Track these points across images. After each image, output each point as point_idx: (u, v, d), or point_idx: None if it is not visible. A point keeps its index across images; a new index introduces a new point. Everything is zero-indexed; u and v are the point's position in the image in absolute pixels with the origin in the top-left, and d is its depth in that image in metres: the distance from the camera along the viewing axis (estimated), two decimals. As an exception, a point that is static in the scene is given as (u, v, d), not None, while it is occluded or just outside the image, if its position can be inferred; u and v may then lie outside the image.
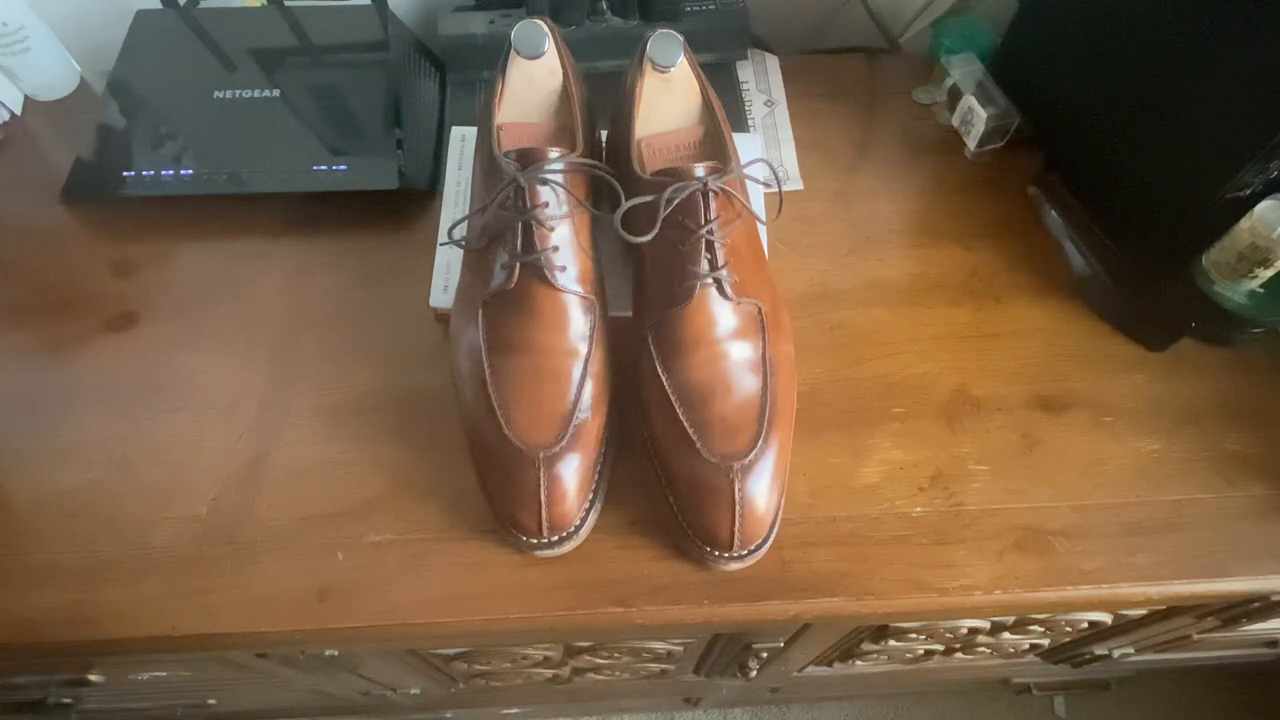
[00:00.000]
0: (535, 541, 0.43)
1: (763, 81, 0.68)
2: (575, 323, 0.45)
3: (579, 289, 0.45)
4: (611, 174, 0.46)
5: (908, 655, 0.75)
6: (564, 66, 0.51)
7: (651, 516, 0.47)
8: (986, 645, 0.72)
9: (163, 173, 0.57)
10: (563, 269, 0.44)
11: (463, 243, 0.48)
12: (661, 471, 0.45)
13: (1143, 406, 0.52)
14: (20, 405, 0.52)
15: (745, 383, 0.45)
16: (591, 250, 0.47)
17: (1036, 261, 0.58)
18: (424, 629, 0.45)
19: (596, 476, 0.45)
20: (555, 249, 0.44)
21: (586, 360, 0.45)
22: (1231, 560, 0.47)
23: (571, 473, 0.43)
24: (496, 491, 0.44)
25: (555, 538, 0.44)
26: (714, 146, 0.51)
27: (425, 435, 0.50)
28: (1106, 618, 0.64)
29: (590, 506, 0.45)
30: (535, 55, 0.49)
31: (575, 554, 0.45)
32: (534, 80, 0.51)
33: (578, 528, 0.44)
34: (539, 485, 0.42)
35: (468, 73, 0.65)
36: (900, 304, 0.56)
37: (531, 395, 0.44)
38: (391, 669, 0.71)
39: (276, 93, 0.61)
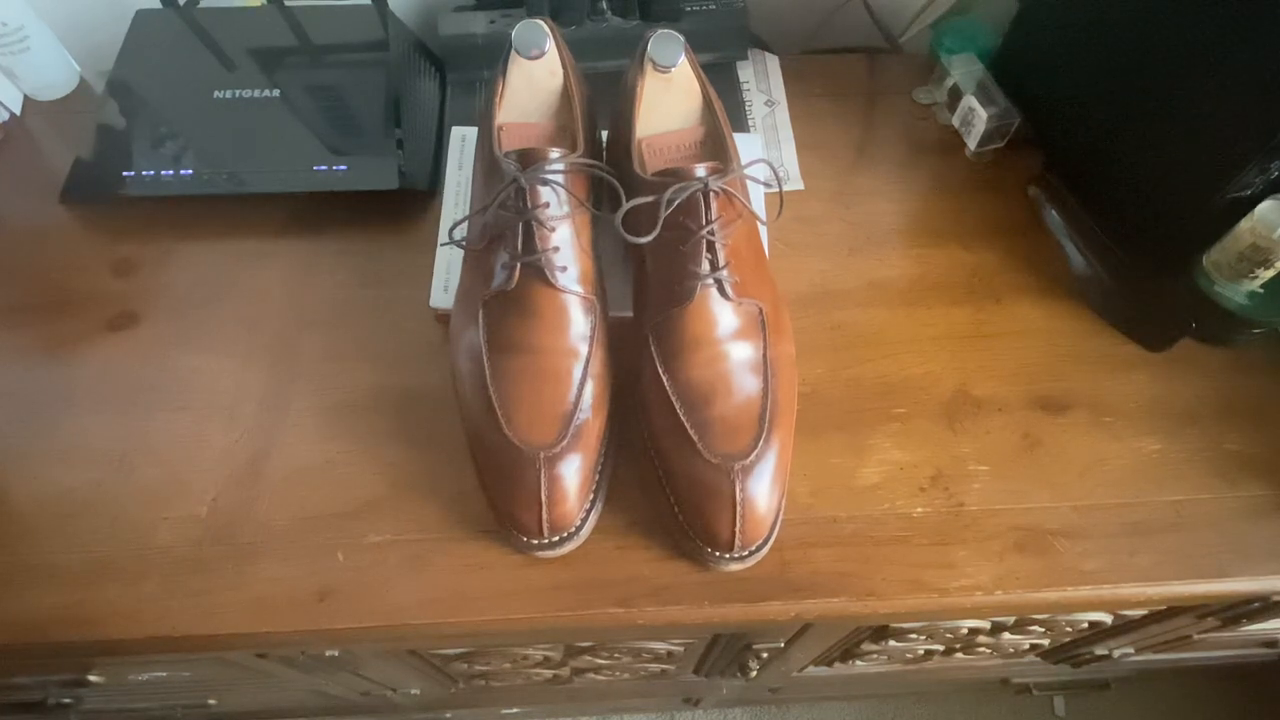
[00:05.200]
0: (536, 542, 0.43)
1: (763, 81, 0.68)
2: (576, 323, 0.45)
3: (580, 289, 0.45)
4: (612, 174, 0.46)
5: (908, 655, 0.75)
6: (565, 66, 0.51)
7: (652, 517, 0.47)
8: (986, 645, 0.72)
9: (163, 173, 0.57)
10: (563, 269, 0.44)
11: (463, 243, 0.48)
12: (662, 472, 0.45)
13: (1143, 406, 0.52)
14: (20, 405, 0.51)
15: (746, 383, 0.45)
16: (592, 250, 0.47)
17: (1036, 261, 0.58)
18: (424, 629, 0.45)
19: (597, 477, 0.45)
20: (556, 249, 0.44)
21: (587, 361, 0.45)
22: (1231, 560, 0.47)
23: (572, 473, 0.43)
24: (497, 492, 0.44)
25: (556, 538, 0.44)
26: (715, 146, 0.51)
27: (425, 435, 0.50)
28: (1106, 618, 0.64)
29: (591, 507, 0.45)
30: (536, 55, 0.49)
31: (576, 554, 0.45)
32: (534, 80, 0.51)
33: (578, 528, 0.44)
34: (539, 485, 0.42)
35: (468, 73, 0.65)
36: (900, 304, 0.56)
37: (532, 395, 0.44)
38: (391, 669, 0.71)
39: (276, 93, 0.61)
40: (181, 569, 0.46)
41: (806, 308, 0.56)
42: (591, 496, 0.45)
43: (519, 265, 0.44)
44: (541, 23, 0.49)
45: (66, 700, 0.66)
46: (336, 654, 0.58)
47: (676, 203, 0.43)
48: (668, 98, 0.51)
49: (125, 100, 0.61)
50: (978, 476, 0.50)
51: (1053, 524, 0.48)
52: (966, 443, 0.51)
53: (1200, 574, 0.47)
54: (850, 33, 0.72)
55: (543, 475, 0.42)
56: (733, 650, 0.70)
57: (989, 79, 0.62)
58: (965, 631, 0.66)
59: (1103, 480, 0.50)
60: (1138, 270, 0.55)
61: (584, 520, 0.44)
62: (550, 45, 0.50)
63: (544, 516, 0.42)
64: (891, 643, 0.68)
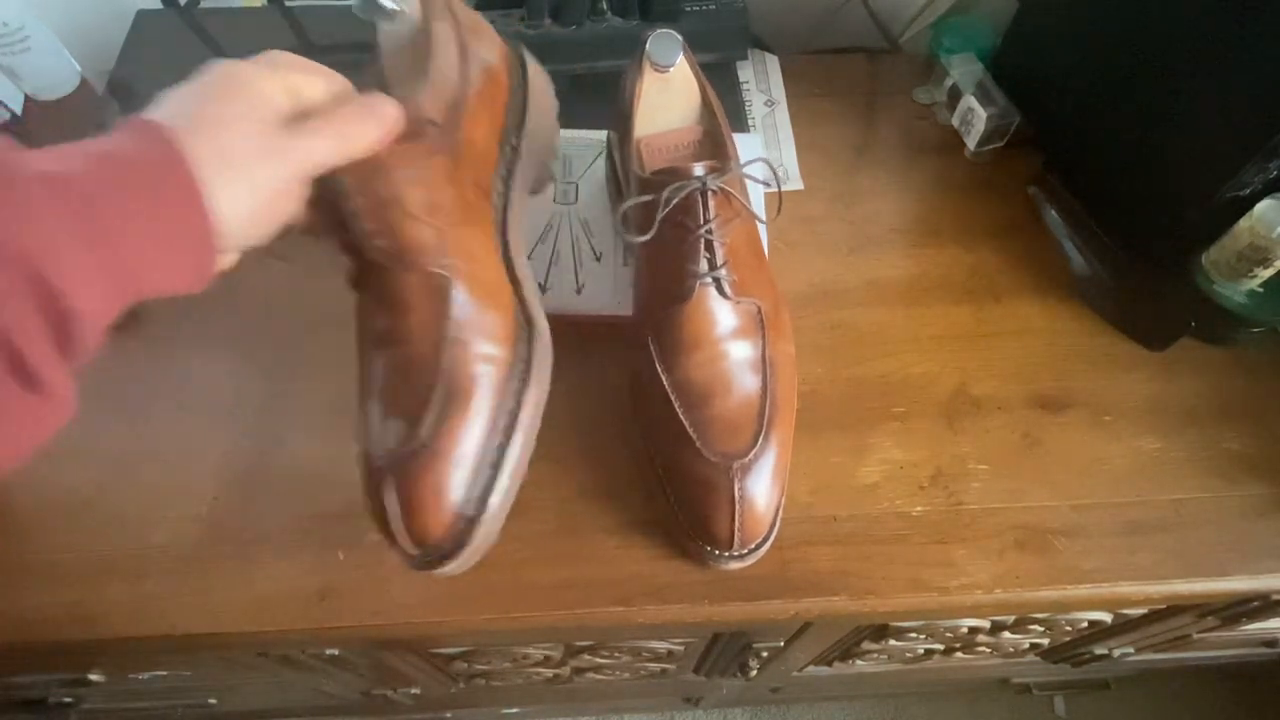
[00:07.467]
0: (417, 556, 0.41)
1: (763, 81, 0.68)
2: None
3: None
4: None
5: (908, 655, 0.75)
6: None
7: (652, 516, 0.47)
8: (986, 645, 0.72)
9: (163, 173, 0.57)
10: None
11: None
12: (661, 470, 0.45)
13: (1142, 406, 0.52)
14: (21, 405, 0.51)
15: (745, 382, 0.45)
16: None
17: (1036, 261, 0.58)
18: (424, 628, 0.45)
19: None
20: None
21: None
22: (1231, 559, 0.47)
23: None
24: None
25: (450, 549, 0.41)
26: (714, 146, 0.51)
27: (425, 435, 0.50)
28: (1106, 617, 0.64)
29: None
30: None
31: (575, 553, 0.46)
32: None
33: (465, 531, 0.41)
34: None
35: (468, 73, 0.65)
36: (900, 304, 0.56)
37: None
38: (391, 669, 0.71)
39: (277, 93, 0.61)
40: (182, 568, 0.46)
41: (806, 307, 0.56)
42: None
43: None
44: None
45: (67, 699, 0.66)
46: (336, 653, 0.58)
47: (674, 201, 0.44)
48: (666, 97, 0.51)
49: (126, 100, 0.61)
50: (977, 475, 0.50)
51: (1052, 523, 0.48)
52: (966, 442, 0.51)
53: (1200, 572, 0.47)
54: (850, 33, 0.72)
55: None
56: (733, 650, 0.70)
57: (988, 79, 0.63)
58: (965, 631, 0.66)
59: (1102, 479, 0.50)
60: (1137, 270, 0.55)
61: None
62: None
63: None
64: (891, 642, 0.68)
